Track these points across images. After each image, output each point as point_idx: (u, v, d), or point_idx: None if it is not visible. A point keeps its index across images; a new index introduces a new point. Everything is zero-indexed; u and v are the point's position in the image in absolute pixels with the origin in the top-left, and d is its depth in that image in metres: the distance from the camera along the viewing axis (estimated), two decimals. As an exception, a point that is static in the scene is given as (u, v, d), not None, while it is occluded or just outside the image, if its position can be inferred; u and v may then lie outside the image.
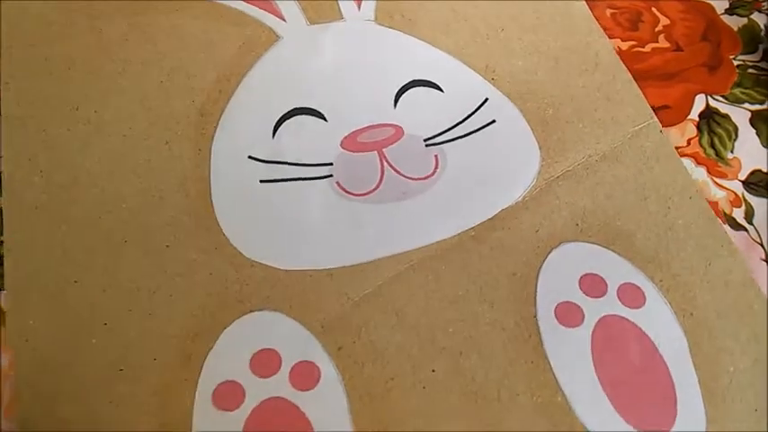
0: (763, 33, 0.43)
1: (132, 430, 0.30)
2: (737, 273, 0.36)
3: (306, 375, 0.32)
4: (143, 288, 0.33)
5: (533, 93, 0.41)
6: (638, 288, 0.35)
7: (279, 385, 0.31)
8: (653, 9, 0.45)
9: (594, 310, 0.34)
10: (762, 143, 0.40)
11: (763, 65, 0.43)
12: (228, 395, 0.31)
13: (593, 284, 0.34)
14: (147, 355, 0.32)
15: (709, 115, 0.41)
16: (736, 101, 0.41)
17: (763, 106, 0.41)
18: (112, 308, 0.33)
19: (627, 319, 0.34)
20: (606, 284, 0.35)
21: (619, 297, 0.34)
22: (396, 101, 0.40)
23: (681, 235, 0.37)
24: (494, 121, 0.40)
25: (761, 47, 0.43)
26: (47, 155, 0.36)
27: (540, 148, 0.39)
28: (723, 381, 0.33)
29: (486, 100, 0.41)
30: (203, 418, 0.30)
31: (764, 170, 0.40)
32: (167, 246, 0.34)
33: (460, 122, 0.40)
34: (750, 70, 0.43)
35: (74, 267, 0.33)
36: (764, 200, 0.39)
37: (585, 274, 0.35)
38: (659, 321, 0.34)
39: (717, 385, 0.33)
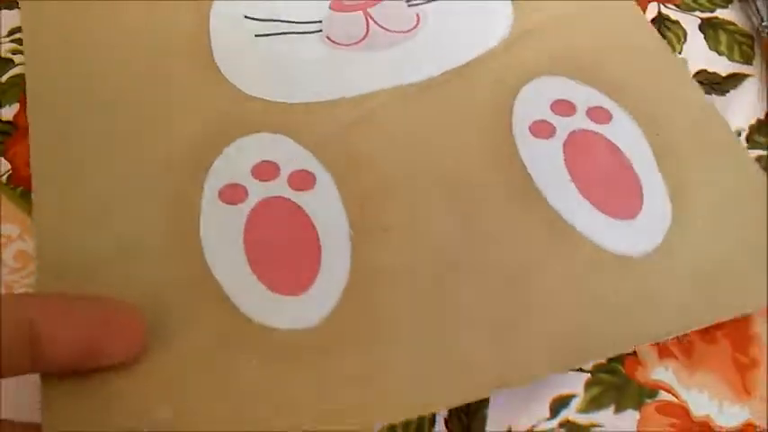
0: None
1: (147, 221, 0.33)
2: (696, 98, 0.40)
3: (303, 180, 0.35)
4: (152, 112, 0.36)
5: (505, -36, 0.44)
6: (605, 109, 0.38)
7: (278, 187, 0.34)
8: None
9: (565, 125, 0.37)
10: (709, 46, 0.44)
11: None
12: (233, 193, 0.34)
13: (563, 107, 0.38)
14: (159, 162, 0.35)
15: (660, 21, 0.45)
16: (687, 9, 0.45)
17: (713, 14, 0.45)
18: (129, 130, 0.36)
19: (596, 132, 0.37)
20: (575, 106, 0.38)
21: (588, 116, 0.38)
22: (379, -29, 0.43)
23: (644, 68, 0.40)
24: (469, -12, 0.43)
25: None
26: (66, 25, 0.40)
27: (512, 7, 0.43)
28: (685, 181, 0.36)
29: (462, -36, 0.44)
30: (210, 209, 0.33)
31: (709, 70, 0.43)
32: (173, 84, 0.38)
33: (440, -12, 0.43)
34: None
35: (91, 93, 0.37)
36: (708, 96, 0.41)
37: (556, 100, 0.38)
38: (625, 134, 0.37)
39: (679, 184, 0.36)
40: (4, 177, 0.36)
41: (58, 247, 0.32)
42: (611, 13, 0.43)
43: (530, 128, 0.37)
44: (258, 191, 0.34)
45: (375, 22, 0.41)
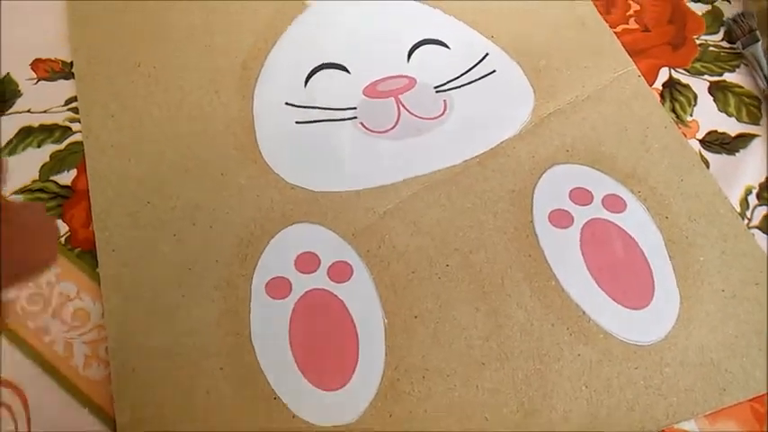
0: (726, 18, 0.50)
1: (201, 316, 0.37)
2: (707, 186, 0.42)
3: (341, 271, 0.38)
4: (203, 207, 0.40)
5: (528, 48, 0.47)
6: (620, 197, 0.41)
7: (319, 279, 0.38)
8: (626, -3, 0.52)
9: (582, 214, 0.40)
10: (719, 108, 0.47)
11: (723, 44, 0.50)
12: (278, 287, 0.37)
13: (580, 195, 0.41)
14: (210, 257, 0.38)
15: (671, 85, 0.48)
16: (696, 73, 0.48)
17: (721, 77, 0.48)
18: (179, 222, 0.39)
19: (610, 222, 0.40)
20: (592, 195, 0.41)
21: (603, 204, 0.41)
22: (409, 56, 0.47)
23: (656, 156, 0.43)
24: (494, 71, 0.47)
25: (723, 29, 0.50)
26: (116, 102, 0.43)
27: (534, 92, 0.46)
28: (694, 268, 0.39)
29: (487, 54, 0.47)
30: (259, 305, 0.37)
31: (719, 130, 0.46)
32: (221, 174, 0.41)
33: (465, 73, 0.47)
34: (711, 48, 0.49)
35: (146, 192, 0.40)
36: (718, 155, 0.45)
37: (574, 188, 0.41)
38: (638, 223, 0.40)
39: (689, 272, 0.39)
40: (63, 239, 0.40)
41: (128, 350, 0.36)
42: (624, 93, 0.46)
43: (549, 217, 0.40)
44: (301, 283, 0.38)
45: (406, 109, 0.44)
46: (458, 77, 0.46)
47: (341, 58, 0.46)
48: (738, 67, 0.48)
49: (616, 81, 0.46)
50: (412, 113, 0.44)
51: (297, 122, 0.44)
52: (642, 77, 0.47)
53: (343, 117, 0.44)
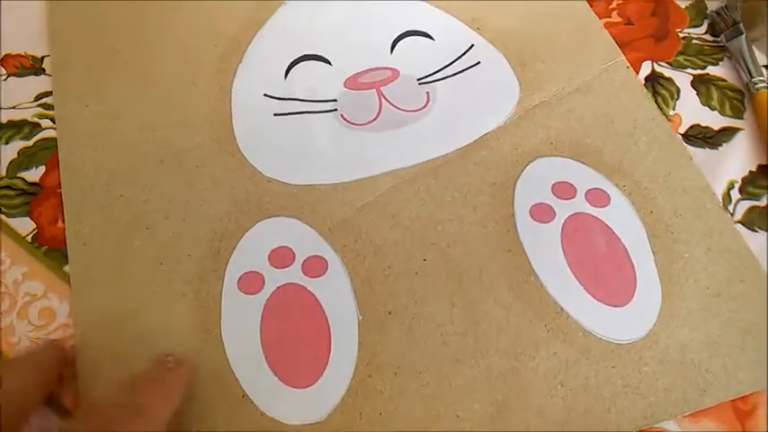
0: (709, 11, 0.49)
1: (171, 312, 0.36)
2: (694, 180, 0.41)
3: (316, 266, 0.37)
4: (177, 199, 0.39)
5: (514, 39, 0.46)
6: (604, 191, 0.40)
7: (293, 274, 0.37)
8: (608, -10, 0.51)
9: (564, 208, 0.39)
10: (702, 102, 0.45)
11: (706, 37, 0.48)
12: (251, 282, 0.37)
13: (563, 189, 0.40)
14: (182, 252, 0.38)
15: (654, 78, 0.47)
16: (679, 66, 0.47)
17: (705, 71, 0.47)
18: (152, 216, 0.39)
19: (593, 216, 0.39)
20: (575, 189, 0.40)
21: (586, 199, 0.40)
22: (392, 48, 0.46)
23: (643, 149, 0.42)
24: (479, 63, 0.46)
25: (706, 22, 0.49)
26: (92, 92, 0.42)
27: (519, 84, 0.45)
28: (678, 264, 0.38)
29: (472, 46, 0.46)
30: (230, 300, 0.36)
31: (702, 124, 0.45)
32: (197, 166, 0.40)
33: (449, 64, 0.46)
34: (694, 41, 0.48)
35: (119, 184, 0.40)
36: (701, 149, 0.43)
37: (557, 182, 0.40)
38: (622, 217, 0.39)
39: (672, 268, 0.38)
40: (30, 237, 0.39)
41: (95, 347, 0.35)
42: (612, 85, 0.45)
43: (530, 211, 0.39)
44: (274, 278, 0.37)
45: (387, 101, 0.43)
46: (441, 69, 0.45)
47: (322, 49, 0.45)
48: (722, 60, 0.47)
49: (604, 72, 0.45)
50: (394, 105, 0.43)
51: (275, 114, 0.43)
52: (631, 68, 0.46)
53: (323, 109, 0.43)
